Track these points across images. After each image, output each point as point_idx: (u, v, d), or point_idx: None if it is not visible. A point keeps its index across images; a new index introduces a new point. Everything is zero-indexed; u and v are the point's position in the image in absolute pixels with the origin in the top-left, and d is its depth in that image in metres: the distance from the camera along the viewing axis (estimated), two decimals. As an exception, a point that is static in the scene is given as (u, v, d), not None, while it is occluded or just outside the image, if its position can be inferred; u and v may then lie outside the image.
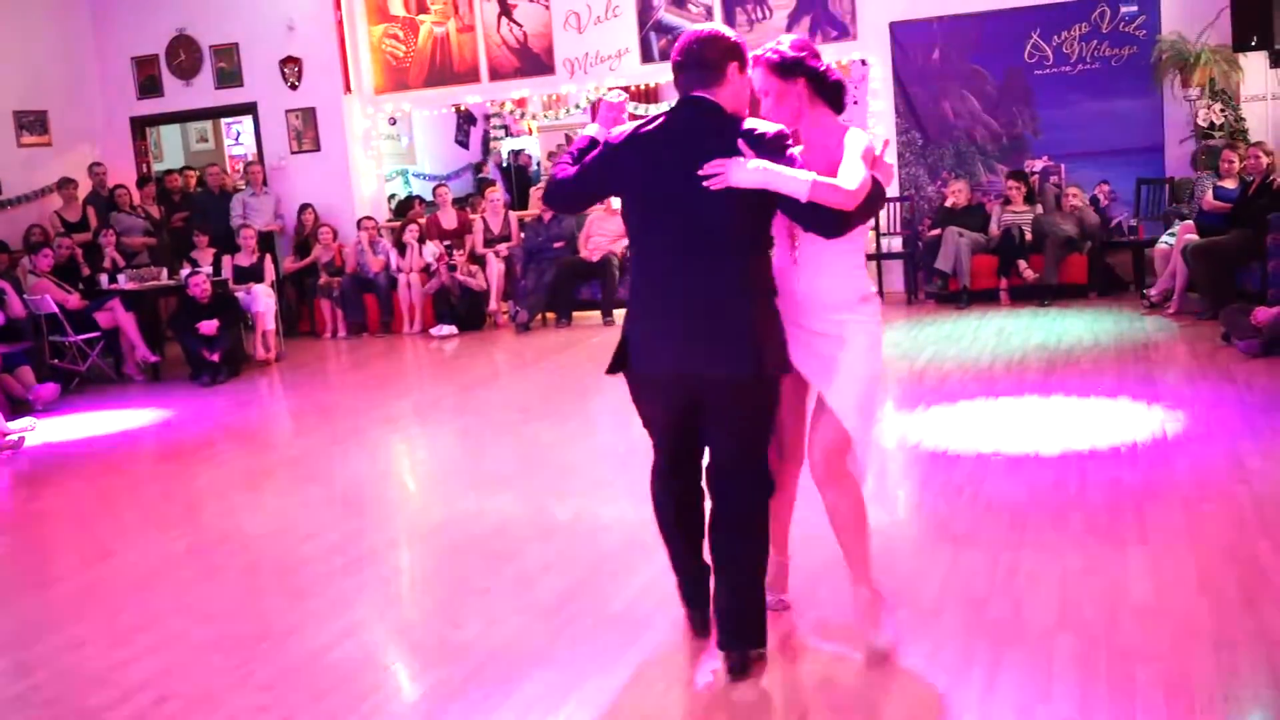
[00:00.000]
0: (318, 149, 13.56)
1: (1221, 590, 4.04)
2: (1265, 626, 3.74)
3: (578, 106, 13.99)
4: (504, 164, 17.88)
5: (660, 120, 3.62)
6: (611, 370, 3.74)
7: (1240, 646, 3.61)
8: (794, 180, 3.38)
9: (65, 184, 12.88)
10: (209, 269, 11.43)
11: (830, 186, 3.37)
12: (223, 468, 7.40)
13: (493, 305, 12.32)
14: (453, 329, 12.01)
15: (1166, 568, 4.26)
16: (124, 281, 11.40)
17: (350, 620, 4.46)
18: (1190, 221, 9.86)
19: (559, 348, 10.66)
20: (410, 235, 12.58)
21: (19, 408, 9.34)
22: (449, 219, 12.95)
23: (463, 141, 17.94)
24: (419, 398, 9.36)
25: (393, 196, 15.49)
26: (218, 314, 10.54)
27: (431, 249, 12.43)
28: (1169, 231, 10.16)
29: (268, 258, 12.20)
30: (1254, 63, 10.60)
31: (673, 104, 3.71)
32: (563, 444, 7.13)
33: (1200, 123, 10.72)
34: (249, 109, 13.86)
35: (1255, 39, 10.01)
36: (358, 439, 7.76)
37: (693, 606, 3.94)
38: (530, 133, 17.74)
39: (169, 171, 14.68)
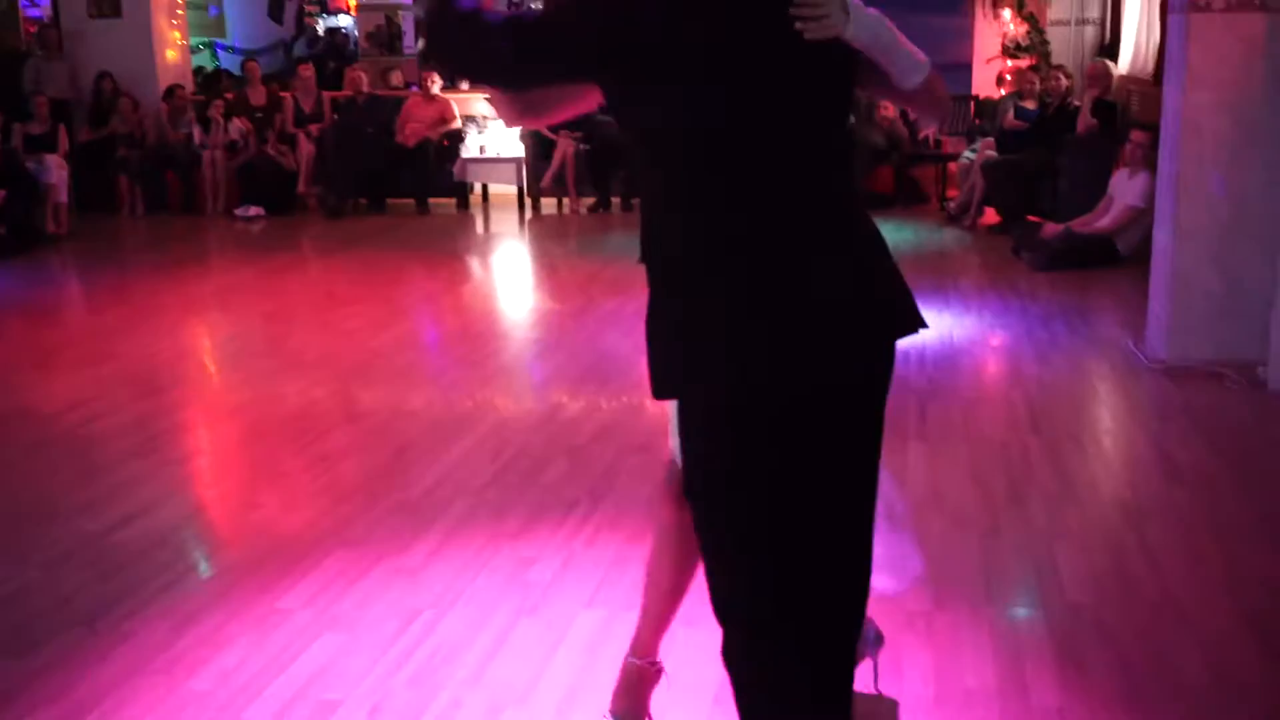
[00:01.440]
0: (118, 14, 12.76)
1: (991, 483, 4.31)
2: (1029, 517, 4.02)
3: (398, -13, 13.60)
4: (319, 40, 17.28)
5: None
6: (675, 391, 2.08)
7: (1005, 536, 3.87)
8: (913, 56, 2.12)
9: None
10: (-4, 136, 10.81)
11: (939, 79, 2.21)
12: (9, 344, 7.08)
13: (302, 187, 11.95)
14: (259, 210, 11.63)
15: (942, 462, 4.52)
16: (-100, 145, 10.68)
17: (142, 500, 4.36)
18: (991, 139, 10.24)
19: (369, 234, 10.46)
20: (216, 111, 12.08)
21: None
22: (258, 95, 12.45)
23: (276, 16, 17.23)
24: (221, 279, 9.08)
25: (199, 70, 14.81)
26: (5, 184, 9.99)
27: (238, 126, 11.98)
28: (971, 148, 10.54)
29: (61, 127, 11.58)
30: (1061, -13, 11.03)
31: None
32: (369, 330, 7.04)
33: (1007, 44, 11.11)
34: (43, -34, 13.01)
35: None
36: (155, 319, 7.51)
37: None
38: (349, 10, 17.12)
39: (-46, 30, 13.73)
